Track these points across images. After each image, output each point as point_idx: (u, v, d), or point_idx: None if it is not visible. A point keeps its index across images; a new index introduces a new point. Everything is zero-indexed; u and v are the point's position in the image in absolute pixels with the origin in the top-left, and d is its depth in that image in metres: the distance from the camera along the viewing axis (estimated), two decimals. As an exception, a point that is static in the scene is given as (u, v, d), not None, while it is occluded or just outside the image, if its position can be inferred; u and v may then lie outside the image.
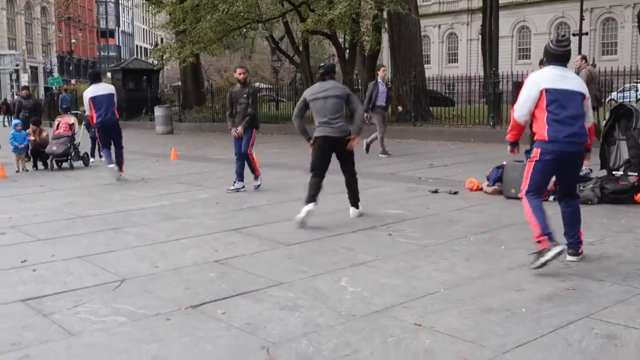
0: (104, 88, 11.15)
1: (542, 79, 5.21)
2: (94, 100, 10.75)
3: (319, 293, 4.53)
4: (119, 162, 11.07)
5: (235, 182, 9.39)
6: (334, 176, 10.08)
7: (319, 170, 7.21)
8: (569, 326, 3.76)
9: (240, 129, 9.19)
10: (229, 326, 3.92)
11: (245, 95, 9.17)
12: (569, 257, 5.23)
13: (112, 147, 11.01)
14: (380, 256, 5.49)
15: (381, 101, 12.94)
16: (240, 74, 9.29)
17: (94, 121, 10.83)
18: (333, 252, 5.68)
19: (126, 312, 4.23)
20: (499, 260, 5.30)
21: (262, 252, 5.75)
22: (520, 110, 5.37)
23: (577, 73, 13.48)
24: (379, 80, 13.23)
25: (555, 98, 5.11)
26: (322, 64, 7.77)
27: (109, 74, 45.73)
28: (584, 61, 14.05)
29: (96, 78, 11.48)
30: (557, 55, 5.25)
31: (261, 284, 4.76)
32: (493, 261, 5.26)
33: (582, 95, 5.22)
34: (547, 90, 5.11)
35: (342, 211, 7.58)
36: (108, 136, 10.97)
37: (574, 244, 5.34)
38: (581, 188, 7.53)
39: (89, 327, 3.99)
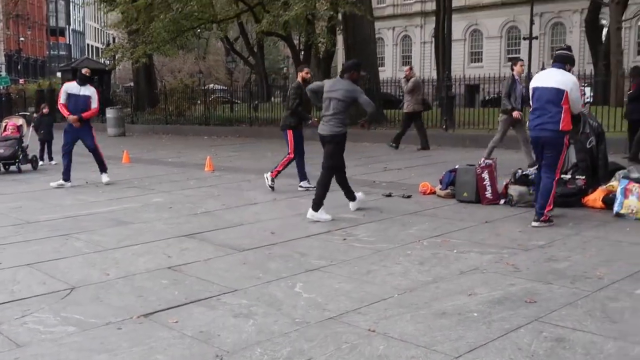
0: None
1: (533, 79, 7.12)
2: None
3: (273, 299, 4.52)
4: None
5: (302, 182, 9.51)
6: (286, 180, 10.09)
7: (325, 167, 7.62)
8: (519, 330, 3.84)
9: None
10: (182, 335, 3.88)
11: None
12: (532, 223, 6.73)
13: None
14: (334, 261, 5.51)
15: (518, 102, 10.72)
16: (307, 73, 9.54)
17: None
18: (287, 257, 5.68)
19: (76, 321, 4.15)
20: (451, 264, 5.37)
21: (216, 258, 5.71)
22: None
23: (407, 82, 14.69)
24: (516, 76, 10.75)
25: (533, 93, 6.87)
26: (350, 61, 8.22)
27: (59, 74, 44.76)
28: (412, 71, 15.86)
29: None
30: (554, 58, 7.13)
31: (215, 291, 4.72)
32: (446, 265, 5.33)
33: (557, 89, 6.63)
34: (531, 88, 6.97)
35: (296, 216, 7.59)
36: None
37: (538, 212, 6.76)
38: (530, 192, 7.69)
39: (37, 337, 3.90)
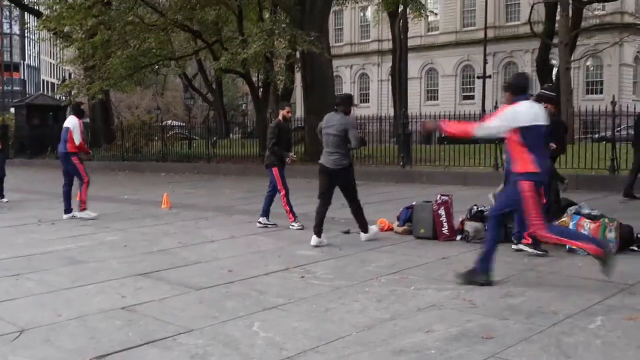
0: (66, 121, 11.23)
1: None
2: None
3: (230, 339, 4.46)
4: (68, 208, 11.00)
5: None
6: (244, 216, 10.04)
7: (322, 194, 8.04)
8: (475, 366, 3.86)
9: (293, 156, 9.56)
10: (136, 378, 3.79)
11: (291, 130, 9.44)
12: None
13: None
14: (292, 299, 5.47)
15: None
16: (288, 112, 9.64)
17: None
18: (245, 295, 5.62)
19: (25, 365, 4.02)
20: (409, 300, 5.38)
21: (172, 297, 5.62)
22: None
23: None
24: None
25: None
26: (344, 94, 8.61)
27: (12, 110, 43.96)
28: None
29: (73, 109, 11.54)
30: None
31: (170, 331, 4.63)
32: (404, 302, 5.34)
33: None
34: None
35: (254, 253, 7.55)
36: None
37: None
38: (486, 228, 7.79)
39: (-17, 383, 3.77)
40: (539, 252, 7.05)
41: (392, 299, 5.46)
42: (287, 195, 9.43)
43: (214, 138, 24.31)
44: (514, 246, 7.28)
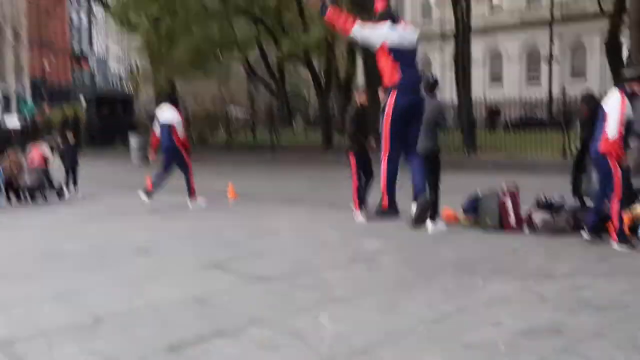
0: (165, 114, 11.24)
1: None
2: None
3: (298, 331, 4.51)
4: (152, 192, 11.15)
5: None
6: (309, 206, 10.11)
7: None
8: (547, 362, 3.81)
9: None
10: (208, 369, 3.89)
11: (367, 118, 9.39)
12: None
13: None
14: (358, 291, 5.50)
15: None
16: (363, 96, 9.56)
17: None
18: (312, 287, 5.68)
19: (102, 354, 4.17)
20: (476, 293, 5.33)
21: (240, 288, 5.73)
22: None
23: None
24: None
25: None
26: (429, 77, 8.28)
27: (82, 101, 45.39)
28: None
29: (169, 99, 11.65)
30: None
31: (240, 323, 4.72)
32: (470, 295, 5.29)
33: None
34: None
35: (320, 244, 7.60)
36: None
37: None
38: (554, 218, 7.64)
39: (64, 371, 3.94)
40: (628, 247, 6.76)
41: (459, 292, 5.41)
42: (359, 184, 9.31)
43: (277, 127, 24.51)
44: (585, 236, 7.10)
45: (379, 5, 6.15)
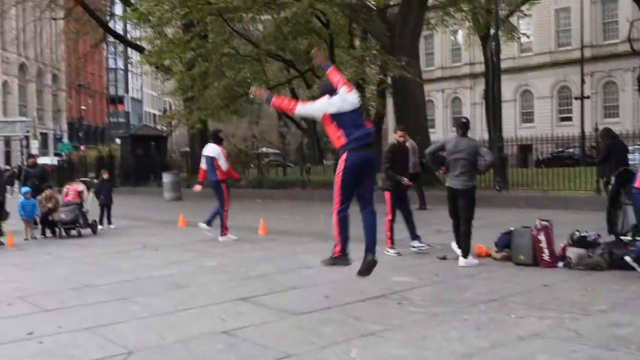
0: (208, 149, 11.73)
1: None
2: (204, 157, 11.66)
3: (328, 365, 4.47)
4: (210, 220, 11.61)
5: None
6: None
7: (455, 215, 8.55)
8: (584, 400, 3.69)
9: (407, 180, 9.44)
10: (238, 401, 3.85)
11: (412, 153, 9.45)
12: None
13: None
14: (389, 326, 5.43)
15: None
16: (400, 135, 9.69)
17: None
18: (342, 322, 5.62)
19: (133, 386, 4.18)
20: (509, 329, 5.22)
21: (270, 322, 5.70)
22: None
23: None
24: None
25: None
26: (462, 118, 9.03)
27: (117, 140, 46.29)
28: (407, 136, 16.16)
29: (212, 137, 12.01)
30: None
31: (269, 356, 4.69)
32: (504, 330, 5.19)
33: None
34: None
35: (350, 279, 7.54)
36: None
37: None
38: (589, 254, 7.49)
39: (95, 402, 3.93)
40: None
41: (492, 326, 5.31)
42: (392, 220, 9.32)
43: (308, 165, 24.59)
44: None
45: (334, 80, 6.54)
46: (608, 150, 12.70)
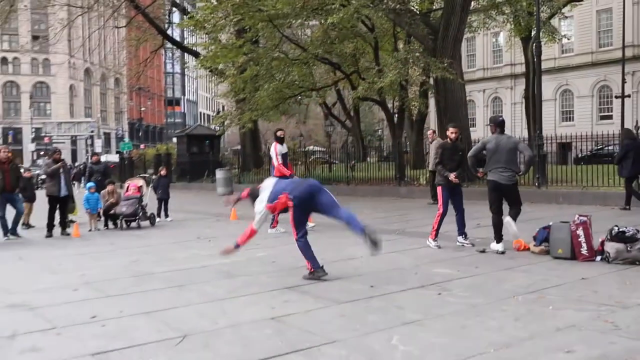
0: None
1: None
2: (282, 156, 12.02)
3: (371, 351, 4.46)
4: None
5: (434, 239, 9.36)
6: (382, 235, 10.01)
7: (497, 208, 8.65)
8: (620, 389, 3.60)
9: (455, 175, 9.18)
10: (285, 383, 3.88)
11: (460, 153, 9.44)
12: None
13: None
14: (430, 315, 5.39)
15: None
16: (452, 132, 9.51)
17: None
18: (384, 310, 5.61)
19: (188, 367, 4.25)
20: (547, 320, 5.13)
21: (316, 310, 5.72)
22: None
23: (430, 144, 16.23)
24: None
25: None
26: (499, 117, 9.14)
27: (174, 139, 47.03)
28: (434, 134, 17.40)
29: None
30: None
31: (315, 342, 4.71)
32: (542, 321, 5.10)
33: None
34: None
35: (392, 270, 7.52)
36: None
37: None
38: (628, 249, 7.29)
39: (153, 381, 4.01)
40: None
41: (530, 318, 5.22)
42: (442, 215, 9.21)
43: (352, 162, 24.56)
44: None
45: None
46: (625, 150, 13.02)
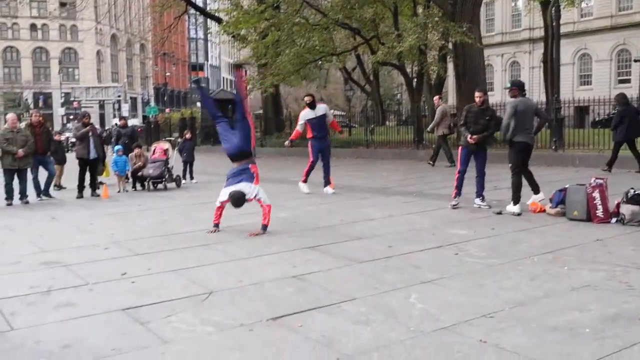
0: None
1: None
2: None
3: (389, 308, 4.49)
4: (327, 177, 11.86)
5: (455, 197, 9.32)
6: (400, 196, 9.98)
7: (523, 167, 8.70)
8: (633, 347, 3.59)
9: (476, 137, 9.04)
10: (306, 338, 3.93)
11: (487, 118, 9.20)
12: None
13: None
14: (447, 274, 5.39)
15: None
16: (477, 97, 9.32)
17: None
18: (402, 269, 5.63)
19: (213, 322, 4.31)
20: (562, 280, 5.11)
21: (336, 269, 5.75)
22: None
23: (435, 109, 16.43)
24: None
25: None
26: (521, 81, 9.33)
27: (198, 104, 47.05)
28: (440, 100, 17.75)
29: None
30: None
31: (335, 299, 4.75)
32: (557, 281, 5.08)
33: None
34: None
35: (410, 231, 7.52)
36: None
37: None
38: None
39: (180, 335, 4.09)
40: None
41: (545, 277, 5.20)
42: (460, 172, 9.24)
43: (372, 125, 24.41)
44: None
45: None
46: (621, 116, 13.06)
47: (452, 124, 16.39)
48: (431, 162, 16.84)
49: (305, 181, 11.79)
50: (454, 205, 9.10)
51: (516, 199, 8.45)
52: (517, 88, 8.75)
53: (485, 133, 9.14)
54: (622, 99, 13.51)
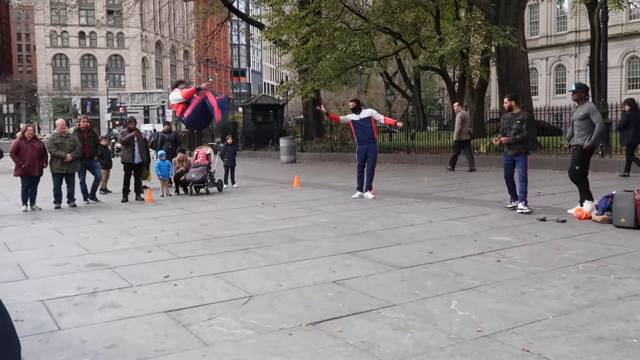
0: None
1: None
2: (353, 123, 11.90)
3: (429, 315, 4.45)
4: (368, 183, 11.85)
5: (511, 201, 9.40)
6: (441, 202, 9.88)
7: (586, 173, 8.83)
8: (683, 359, 3.47)
9: (498, 139, 9.34)
10: (345, 343, 3.93)
11: (518, 122, 9.20)
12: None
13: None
14: (488, 281, 5.32)
15: None
16: (504, 102, 9.48)
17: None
18: (442, 276, 5.57)
19: (253, 325, 4.35)
20: (608, 289, 4.98)
21: (376, 275, 5.74)
22: None
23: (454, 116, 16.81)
24: None
25: None
26: (579, 83, 9.35)
27: (240, 109, 47.54)
28: (459, 107, 18.17)
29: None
30: None
31: (375, 304, 4.74)
32: (602, 290, 4.95)
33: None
34: None
35: (451, 237, 7.45)
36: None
37: None
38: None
39: (221, 338, 4.13)
40: None
41: (590, 286, 5.08)
42: (505, 179, 9.43)
43: (413, 131, 24.28)
44: None
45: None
46: (627, 120, 13.21)
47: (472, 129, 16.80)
48: (450, 167, 17.20)
49: (369, 190, 11.79)
50: (522, 210, 9.03)
51: (590, 196, 8.54)
52: (583, 91, 8.83)
53: (515, 137, 9.07)
54: (632, 103, 13.76)
